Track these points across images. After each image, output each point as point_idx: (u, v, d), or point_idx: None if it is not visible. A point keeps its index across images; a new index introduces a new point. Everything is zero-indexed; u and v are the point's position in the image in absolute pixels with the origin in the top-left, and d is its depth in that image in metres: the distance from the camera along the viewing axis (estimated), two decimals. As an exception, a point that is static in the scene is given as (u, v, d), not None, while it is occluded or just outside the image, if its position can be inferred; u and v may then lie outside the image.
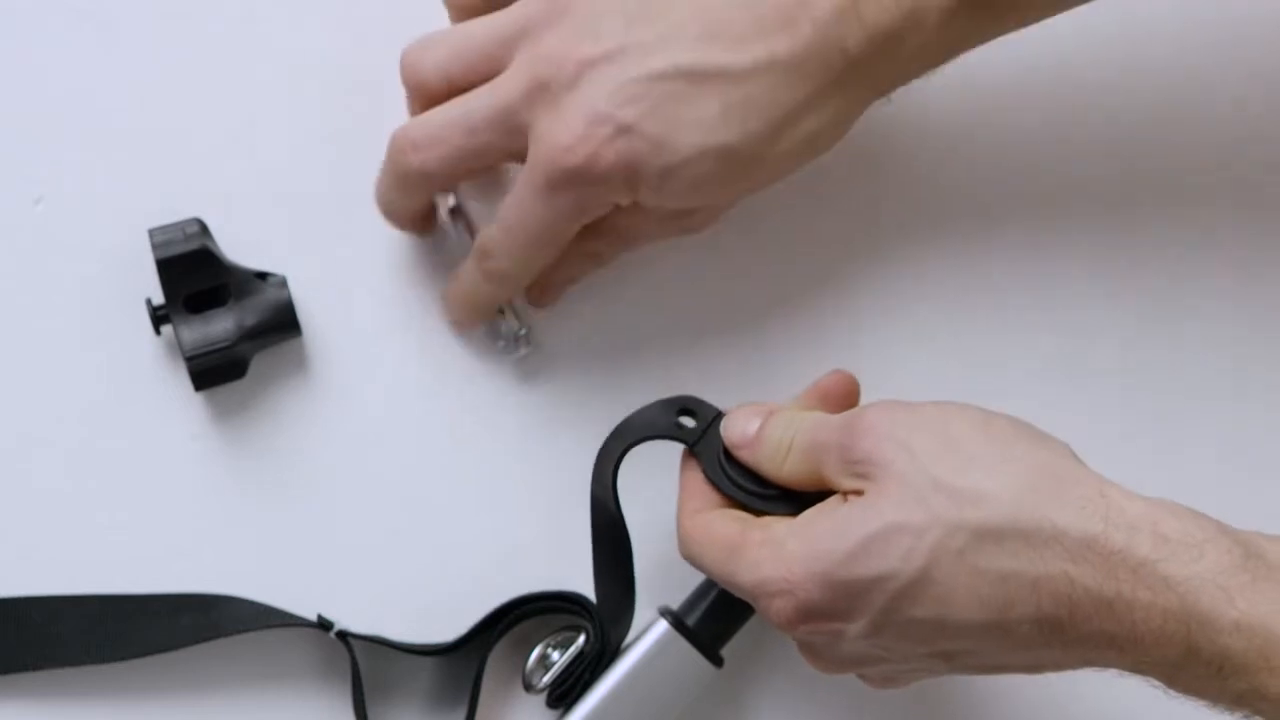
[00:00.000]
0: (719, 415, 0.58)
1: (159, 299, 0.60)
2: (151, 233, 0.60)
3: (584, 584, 0.60)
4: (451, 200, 0.62)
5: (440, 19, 0.61)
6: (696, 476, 0.57)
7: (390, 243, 0.64)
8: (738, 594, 0.54)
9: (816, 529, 0.51)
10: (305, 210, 0.64)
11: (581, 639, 0.59)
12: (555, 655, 0.59)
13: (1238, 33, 0.65)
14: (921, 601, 0.49)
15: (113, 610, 0.60)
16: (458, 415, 0.63)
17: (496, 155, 0.57)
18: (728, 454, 0.57)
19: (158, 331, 0.61)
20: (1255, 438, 0.64)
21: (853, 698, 0.62)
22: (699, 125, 0.53)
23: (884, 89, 0.56)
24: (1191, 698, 0.48)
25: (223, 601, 0.61)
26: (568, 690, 0.59)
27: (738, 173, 0.54)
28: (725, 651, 0.59)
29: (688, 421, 0.58)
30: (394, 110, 0.64)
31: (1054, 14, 0.57)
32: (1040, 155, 0.65)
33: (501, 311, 0.62)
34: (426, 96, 0.58)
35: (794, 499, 0.55)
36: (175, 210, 0.61)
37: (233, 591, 0.61)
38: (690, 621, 0.59)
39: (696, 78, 0.52)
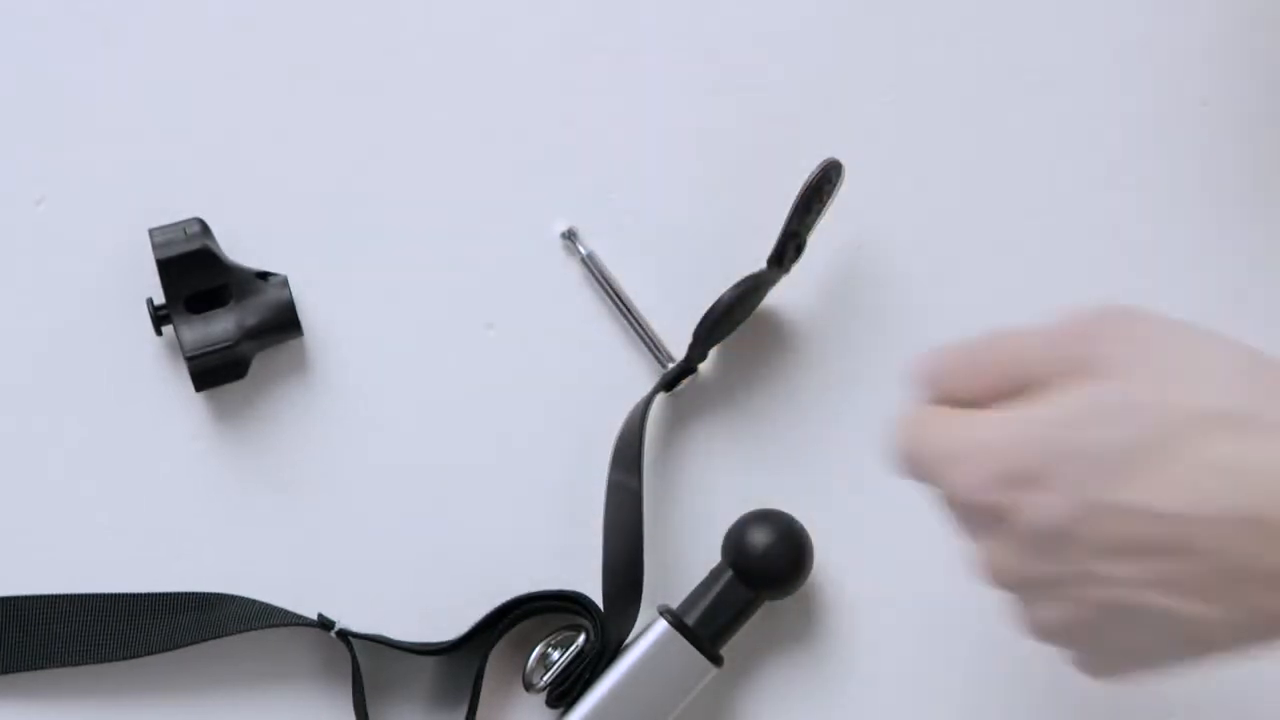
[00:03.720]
0: None
1: (160, 299, 0.60)
2: (152, 233, 0.60)
3: (584, 584, 0.60)
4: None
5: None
6: None
7: (390, 243, 0.64)
8: (929, 469, 0.49)
9: (1028, 406, 0.47)
10: (305, 210, 0.64)
11: (581, 639, 0.59)
12: (555, 655, 0.59)
13: None
14: (1131, 481, 0.45)
15: (113, 610, 0.60)
16: (457, 415, 0.63)
17: None
18: None
19: (159, 332, 0.61)
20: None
21: (853, 698, 0.62)
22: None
23: None
24: None
25: (223, 601, 0.61)
26: (568, 690, 0.59)
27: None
28: (725, 651, 0.59)
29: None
30: (395, 108, 0.64)
31: None
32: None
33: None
34: None
35: None
36: (175, 210, 0.61)
37: (233, 591, 0.61)
38: (690, 621, 0.59)
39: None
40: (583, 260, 0.62)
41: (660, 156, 0.64)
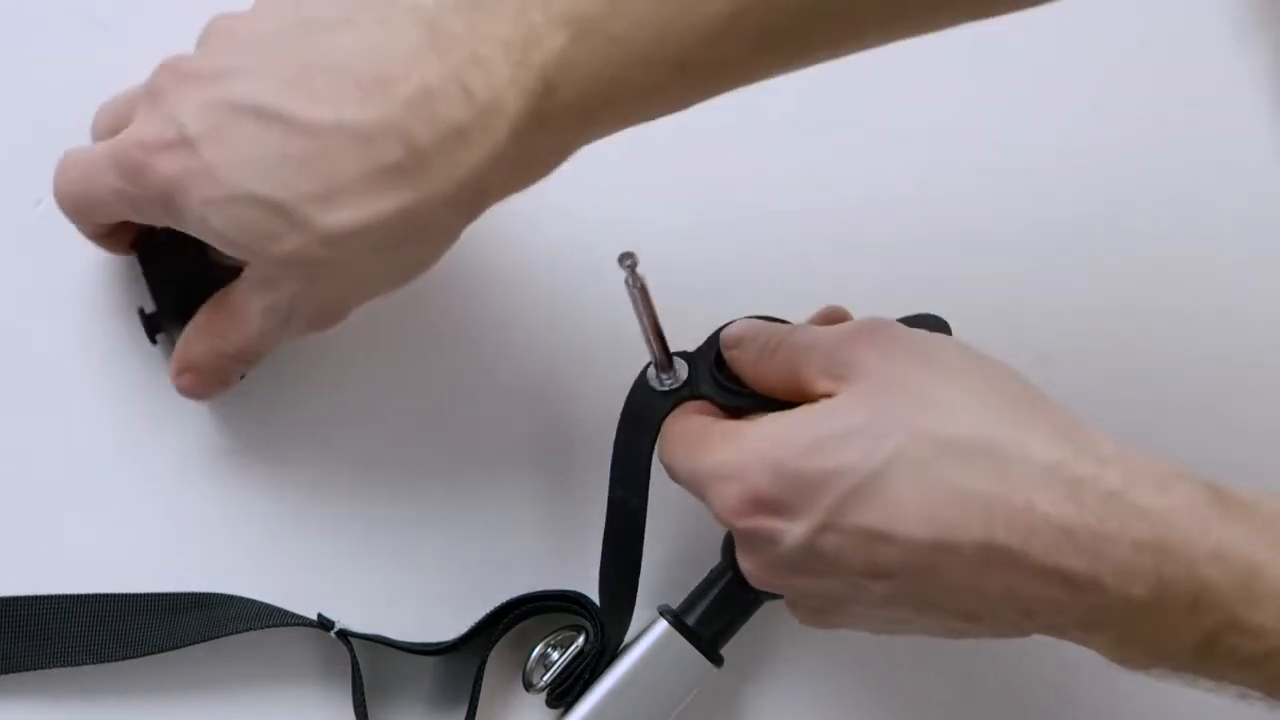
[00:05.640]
0: (715, 333, 0.57)
1: (151, 307, 0.60)
2: (137, 239, 0.59)
3: (584, 584, 0.60)
4: None
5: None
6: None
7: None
8: (696, 489, 0.53)
9: (779, 422, 0.50)
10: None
11: (581, 639, 0.59)
12: (555, 655, 0.59)
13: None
14: (870, 506, 0.47)
15: (113, 610, 0.60)
16: (458, 414, 0.63)
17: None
18: (718, 362, 0.56)
19: (153, 340, 0.61)
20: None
21: (854, 698, 0.62)
22: (252, 166, 0.50)
23: (464, 202, 0.51)
24: (1142, 658, 0.47)
25: (223, 601, 0.61)
26: (568, 690, 0.59)
27: (284, 238, 0.51)
28: (725, 651, 0.59)
29: (680, 371, 0.56)
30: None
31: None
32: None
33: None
34: None
35: (777, 406, 0.53)
36: (175, 210, 0.61)
37: (233, 591, 0.61)
38: (690, 621, 0.59)
39: (265, 119, 0.50)
40: (630, 288, 0.55)
41: (665, 161, 0.64)
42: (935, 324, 0.56)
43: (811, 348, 0.52)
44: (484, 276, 0.64)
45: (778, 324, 0.56)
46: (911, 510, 0.46)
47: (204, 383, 0.59)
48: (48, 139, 0.63)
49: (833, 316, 0.57)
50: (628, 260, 0.54)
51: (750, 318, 0.56)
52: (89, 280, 0.63)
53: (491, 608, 0.60)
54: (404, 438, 0.63)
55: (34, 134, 0.63)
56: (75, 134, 0.63)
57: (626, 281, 0.54)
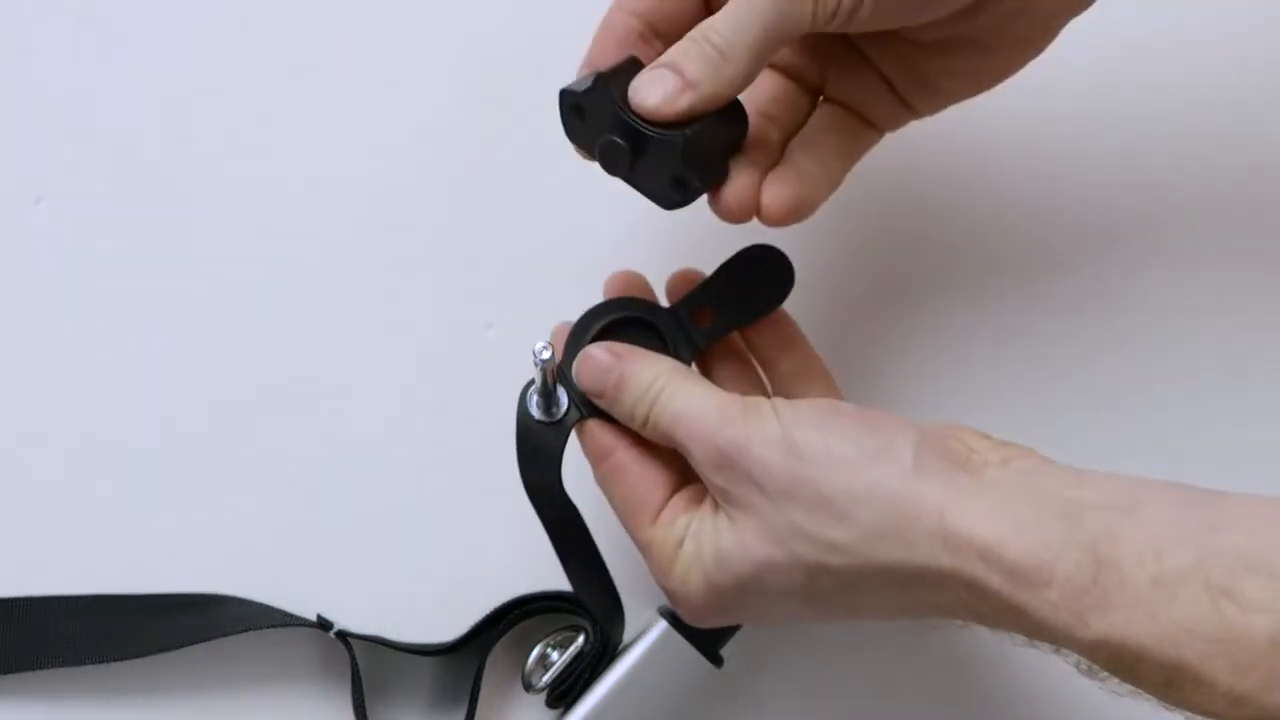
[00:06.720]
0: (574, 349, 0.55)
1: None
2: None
3: (584, 584, 0.60)
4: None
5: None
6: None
7: (388, 240, 0.64)
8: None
9: (706, 561, 0.51)
10: (305, 209, 0.64)
11: (581, 639, 0.59)
12: (555, 655, 0.59)
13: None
14: (806, 613, 0.51)
15: (113, 610, 0.60)
16: (458, 414, 0.63)
17: None
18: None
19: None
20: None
21: (853, 698, 0.62)
22: None
23: None
24: None
25: (223, 601, 0.61)
26: (567, 690, 0.59)
27: None
28: (725, 651, 0.59)
29: (560, 396, 0.55)
30: (400, 112, 0.64)
31: None
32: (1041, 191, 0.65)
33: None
34: None
35: None
36: (175, 211, 0.62)
37: (233, 591, 0.61)
38: (690, 621, 0.58)
39: None
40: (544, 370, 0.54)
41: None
42: (769, 256, 0.56)
43: (690, 443, 0.51)
44: (482, 276, 0.64)
45: (640, 370, 0.53)
46: (839, 606, 0.50)
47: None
48: (48, 139, 0.64)
49: (629, 284, 0.57)
50: (544, 358, 0.53)
51: (589, 326, 0.55)
52: (87, 278, 0.63)
53: (491, 608, 0.60)
54: (404, 438, 0.63)
55: (34, 134, 0.63)
56: (75, 134, 0.64)
57: (540, 367, 0.53)
